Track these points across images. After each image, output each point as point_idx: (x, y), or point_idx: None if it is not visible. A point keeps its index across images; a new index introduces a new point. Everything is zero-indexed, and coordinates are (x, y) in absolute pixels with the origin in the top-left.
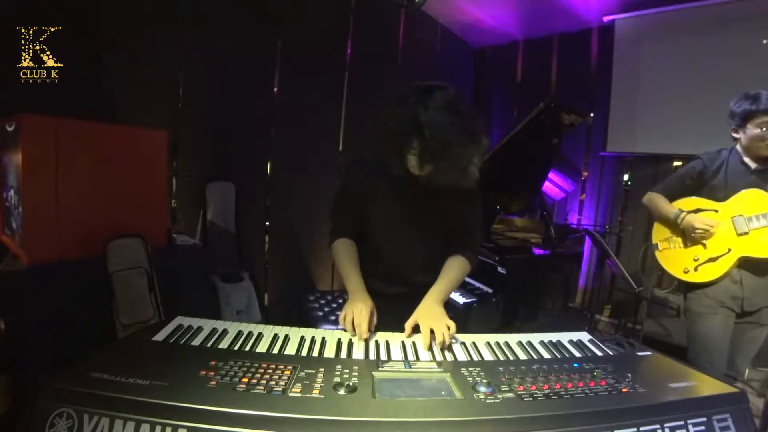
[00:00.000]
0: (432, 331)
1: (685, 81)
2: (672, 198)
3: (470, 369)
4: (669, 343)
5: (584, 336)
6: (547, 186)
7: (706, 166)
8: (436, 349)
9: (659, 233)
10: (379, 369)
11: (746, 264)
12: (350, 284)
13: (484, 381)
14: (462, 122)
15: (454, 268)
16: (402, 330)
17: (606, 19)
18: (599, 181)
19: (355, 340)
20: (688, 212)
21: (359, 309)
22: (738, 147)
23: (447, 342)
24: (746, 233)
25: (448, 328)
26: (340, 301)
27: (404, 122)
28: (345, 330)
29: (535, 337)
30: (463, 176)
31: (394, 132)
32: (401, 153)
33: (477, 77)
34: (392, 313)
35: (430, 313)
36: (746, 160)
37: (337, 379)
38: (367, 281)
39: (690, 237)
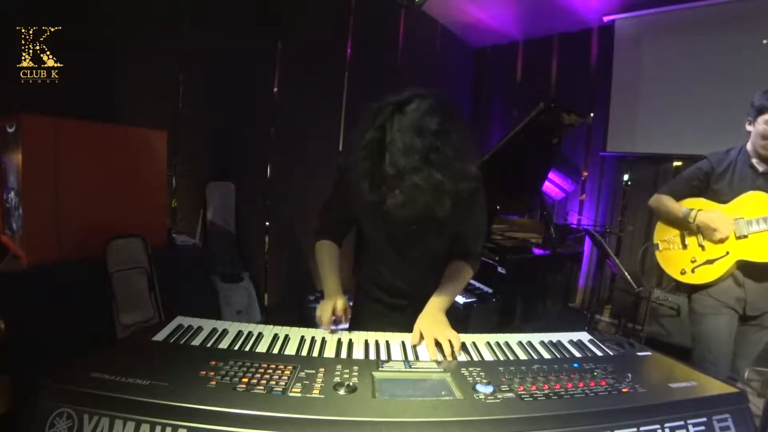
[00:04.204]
0: (437, 342)
1: (685, 81)
2: (678, 199)
3: (470, 369)
4: (669, 343)
5: (584, 336)
6: (547, 186)
7: (713, 167)
8: (441, 357)
9: (661, 233)
10: (379, 369)
11: (748, 268)
12: (326, 285)
13: (484, 381)
14: (430, 145)
15: (456, 274)
16: None
17: (606, 19)
18: (599, 181)
19: (355, 339)
20: (696, 209)
21: (331, 305)
22: (748, 146)
23: (456, 350)
24: (745, 236)
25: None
26: None
27: (370, 145)
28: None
29: (535, 337)
30: (434, 207)
31: (363, 155)
32: (371, 177)
33: (477, 77)
34: (395, 322)
35: (432, 323)
36: (754, 162)
37: (337, 379)
38: (369, 290)
39: (705, 235)
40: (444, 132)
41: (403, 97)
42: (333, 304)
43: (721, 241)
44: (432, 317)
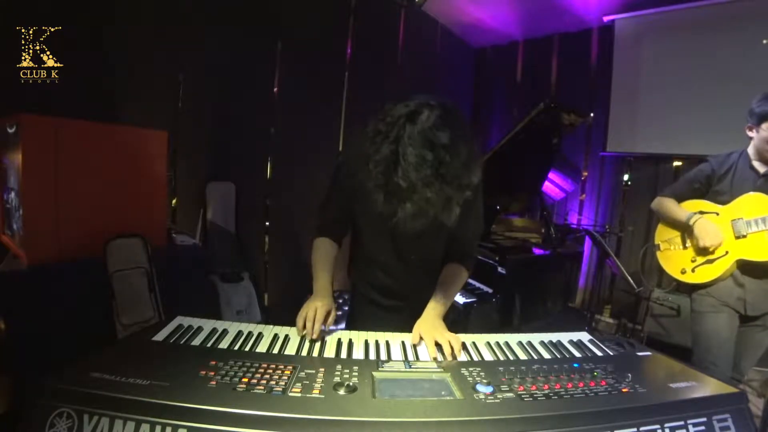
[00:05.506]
0: (437, 344)
1: (685, 81)
2: (680, 201)
3: (470, 369)
4: (669, 343)
5: (584, 336)
6: (547, 186)
7: (714, 169)
8: (441, 358)
9: (662, 234)
10: (379, 369)
11: (748, 268)
12: (316, 284)
13: (484, 381)
14: (441, 159)
15: (452, 277)
16: None
17: (606, 19)
18: (599, 181)
19: (355, 339)
20: (698, 213)
21: (314, 307)
22: (749, 149)
23: (457, 352)
24: (744, 236)
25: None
26: (340, 301)
27: (386, 159)
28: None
29: (535, 337)
30: (443, 218)
31: (379, 170)
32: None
33: (477, 77)
34: (391, 323)
35: (431, 327)
36: (755, 164)
37: (337, 379)
38: (365, 292)
39: (695, 242)
40: (454, 145)
41: (412, 108)
42: (314, 307)
43: (705, 249)
44: (431, 323)
